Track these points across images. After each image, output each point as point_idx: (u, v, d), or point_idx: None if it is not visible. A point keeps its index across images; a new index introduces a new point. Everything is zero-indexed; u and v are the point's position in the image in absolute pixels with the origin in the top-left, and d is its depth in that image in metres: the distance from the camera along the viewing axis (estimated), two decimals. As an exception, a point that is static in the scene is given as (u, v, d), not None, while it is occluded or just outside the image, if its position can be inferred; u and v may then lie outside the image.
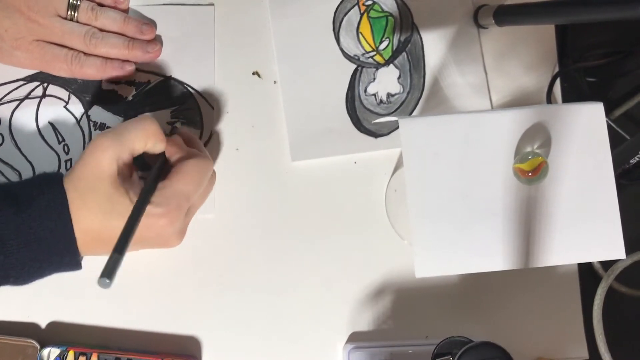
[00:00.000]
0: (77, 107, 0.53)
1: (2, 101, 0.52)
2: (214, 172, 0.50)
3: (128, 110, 0.53)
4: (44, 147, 0.52)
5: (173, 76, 0.54)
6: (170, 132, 0.52)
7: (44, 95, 0.53)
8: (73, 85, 0.53)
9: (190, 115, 0.54)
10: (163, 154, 0.47)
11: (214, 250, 0.53)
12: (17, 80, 0.52)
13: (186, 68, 0.54)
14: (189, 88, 0.54)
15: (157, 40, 0.53)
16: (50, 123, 0.52)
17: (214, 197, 0.53)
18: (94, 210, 0.42)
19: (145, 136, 0.44)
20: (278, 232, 0.54)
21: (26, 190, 0.43)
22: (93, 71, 0.51)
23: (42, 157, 0.52)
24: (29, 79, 0.53)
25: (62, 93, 0.53)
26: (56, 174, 0.44)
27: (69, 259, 0.43)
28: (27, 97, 0.53)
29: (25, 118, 0.52)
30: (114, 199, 0.42)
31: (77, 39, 0.50)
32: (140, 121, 0.45)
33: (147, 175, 0.46)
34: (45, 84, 0.53)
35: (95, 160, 0.42)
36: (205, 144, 0.54)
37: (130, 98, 0.53)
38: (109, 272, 0.36)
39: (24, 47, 0.50)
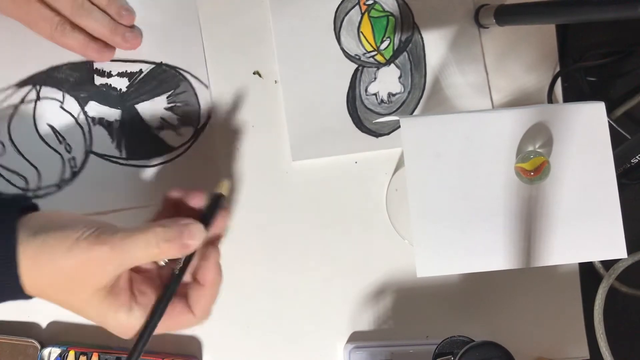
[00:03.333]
0: (73, 105, 0.53)
1: None
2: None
3: (124, 102, 0.53)
4: (46, 149, 0.52)
5: (164, 62, 0.54)
6: (208, 207, 0.42)
7: (38, 98, 0.53)
8: (66, 85, 0.53)
9: (186, 98, 0.54)
10: (176, 276, 0.40)
11: (215, 250, 0.53)
12: (9, 87, 0.52)
13: (175, 52, 0.54)
14: (181, 71, 0.54)
15: (138, 32, 0.53)
16: (49, 125, 0.52)
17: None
18: (67, 304, 0.39)
19: (153, 255, 0.38)
20: (278, 232, 0.54)
21: None
22: (73, 44, 0.50)
23: (46, 159, 0.52)
24: (20, 84, 0.53)
25: (56, 93, 0.53)
26: (14, 207, 0.39)
27: (13, 297, 0.38)
28: (21, 102, 0.52)
29: (23, 123, 0.52)
30: (92, 304, 0.38)
31: (65, 3, 0.49)
32: (150, 237, 0.38)
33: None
34: (38, 87, 0.53)
35: (90, 270, 0.37)
36: (204, 125, 0.54)
37: (124, 89, 0.53)
38: None
39: None
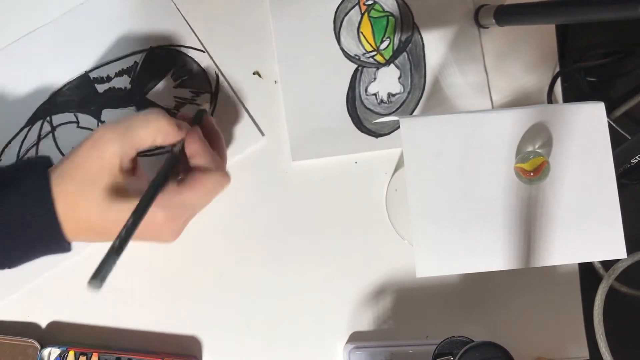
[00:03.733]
0: (89, 121, 0.53)
1: (21, 154, 0.52)
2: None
3: (134, 97, 0.54)
4: None
5: (152, 46, 0.54)
6: (193, 117, 0.49)
7: (53, 129, 0.53)
8: (73, 105, 0.53)
9: (189, 68, 0.54)
10: (176, 154, 0.45)
11: (214, 250, 0.53)
12: (21, 129, 0.53)
13: (159, 32, 0.54)
14: (173, 47, 0.54)
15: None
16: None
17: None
18: (92, 202, 0.42)
19: (153, 132, 0.43)
20: (278, 232, 0.54)
21: (9, 174, 0.42)
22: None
23: None
24: (30, 122, 0.53)
25: (68, 117, 0.53)
26: (42, 158, 0.44)
27: (55, 244, 0.43)
28: (39, 138, 0.53)
29: (51, 157, 0.52)
30: (114, 193, 0.42)
31: None
32: (150, 117, 0.43)
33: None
34: (49, 118, 0.53)
35: (98, 153, 0.42)
36: (217, 86, 0.54)
37: (129, 86, 0.54)
38: (101, 274, 0.35)
39: None
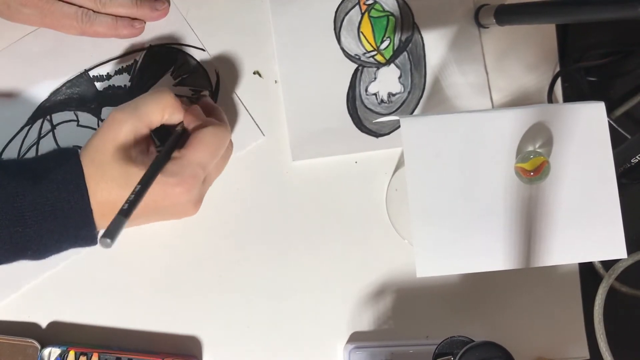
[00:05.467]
0: (89, 119, 0.53)
1: (22, 153, 0.52)
2: (230, 142, 0.50)
3: (133, 96, 0.53)
4: None
5: (152, 44, 0.54)
6: (191, 102, 0.51)
7: (53, 127, 0.53)
8: (73, 103, 0.53)
9: (189, 67, 0.54)
10: (181, 124, 0.47)
11: (214, 250, 0.53)
12: (22, 127, 0.53)
13: (158, 30, 0.54)
14: (172, 45, 0.54)
15: None
16: (75, 146, 0.52)
17: (215, 196, 0.53)
18: (111, 183, 0.43)
19: (161, 108, 0.45)
20: (278, 232, 0.54)
21: (43, 164, 0.43)
22: (104, 29, 0.51)
23: None
24: (31, 120, 0.53)
25: (68, 115, 0.53)
26: (71, 148, 0.45)
27: (86, 232, 0.44)
28: (39, 137, 0.53)
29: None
30: (130, 171, 0.43)
31: None
32: (156, 94, 0.45)
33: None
34: (49, 116, 0.53)
35: (112, 134, 0.43)
36: (217, 84, 0.54)
37: (128, 84, 0.54)
38: (111, 233, 0.37)
39: (32, 4, 0.49)
